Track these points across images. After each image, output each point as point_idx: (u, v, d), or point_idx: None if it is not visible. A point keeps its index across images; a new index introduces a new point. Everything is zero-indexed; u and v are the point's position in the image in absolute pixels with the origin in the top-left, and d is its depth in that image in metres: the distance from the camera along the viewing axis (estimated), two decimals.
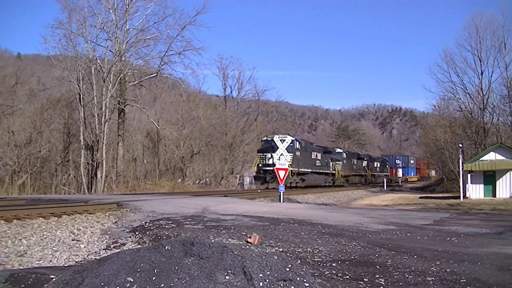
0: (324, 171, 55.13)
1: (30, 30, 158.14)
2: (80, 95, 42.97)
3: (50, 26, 50.27)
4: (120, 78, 45.39)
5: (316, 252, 9.28)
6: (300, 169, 47.03)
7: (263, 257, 6.37)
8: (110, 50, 46.27)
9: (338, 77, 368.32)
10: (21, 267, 8.40)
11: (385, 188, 67.64)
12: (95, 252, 10.35)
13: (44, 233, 12.31)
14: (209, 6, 63.82)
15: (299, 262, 7.98)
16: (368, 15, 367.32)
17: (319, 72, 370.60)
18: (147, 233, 12.03)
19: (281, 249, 9.22)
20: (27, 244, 10.70)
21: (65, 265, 8.82)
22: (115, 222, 15.08)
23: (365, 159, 76.78)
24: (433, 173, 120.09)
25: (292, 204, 26.09)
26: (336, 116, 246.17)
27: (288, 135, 47.57)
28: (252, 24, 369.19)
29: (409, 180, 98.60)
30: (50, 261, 9.31)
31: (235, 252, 6.30)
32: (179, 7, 58.49)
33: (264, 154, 44.44)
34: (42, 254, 9.80)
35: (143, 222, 14.15)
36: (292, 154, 44.88)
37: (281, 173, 27.02)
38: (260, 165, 44.03)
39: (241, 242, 8.66)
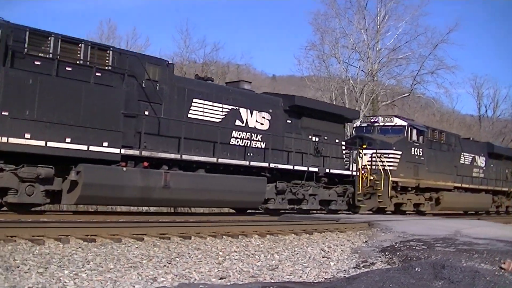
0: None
1: (285, 53, 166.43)
2: None
3: (303, 48, 52.64)
4: (372, 98, 45.72)
5: None
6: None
7: None
8: (362, 70, 47.08)
9: None
10: (272, 281, 8.63)
11: None
12: (344, 270, 10.31)
13: (296, 249, 12.58)
14: (462, 23, 61.82)
15: None
16: None
17: None
18: (397, 253, 11.74)
19: None
20: (278, 259, 11.01)
21: (315, 282, 8.89)
22: (366, 241, 14.96)
23: None
24: None
25: None
26: None
27: None
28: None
29: None
30: (300, 276, 9.44)
31: (487, 278, 5.88)
32: (431, 26, 57.05)
33: None
34: (292, 269, 9.99)
35: (393, 243, 13.84)
36: None
37: None
38: None
39: (494, 268, 8.07)
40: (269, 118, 21.64)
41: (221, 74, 45.81)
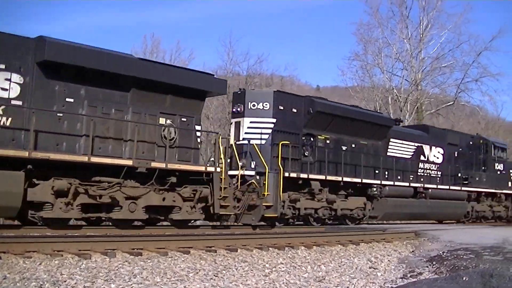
0: None
1: (329, 64, 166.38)
2: None
3: (347, 59, 52.73)
4: (417, 107, 45.57)
5: None
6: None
7: None
8: (406, 80, 47.19)
9: None
10: None
11: None
12: (391, 280, 10.22)
13: (342, 260, 12.52)
14: (505, 30, 61.21)
15: None
16: None
17: None
18: (445, 263, 11.61)
19: None
20: (325, 270, 10.96)
21: None
22: (413, 251, 14.89)
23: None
24: None
25: None
26: None
27: None
28: None
29: None
30: (347, 287, 9.40)
31: None
32: (474, 33, 56.57)
33: None
34: (339, 280, 9.93)
35: (440, 252, 13.71)
36: None
37: None
38: None
39: None
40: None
41: (265, 86, 46.00)
